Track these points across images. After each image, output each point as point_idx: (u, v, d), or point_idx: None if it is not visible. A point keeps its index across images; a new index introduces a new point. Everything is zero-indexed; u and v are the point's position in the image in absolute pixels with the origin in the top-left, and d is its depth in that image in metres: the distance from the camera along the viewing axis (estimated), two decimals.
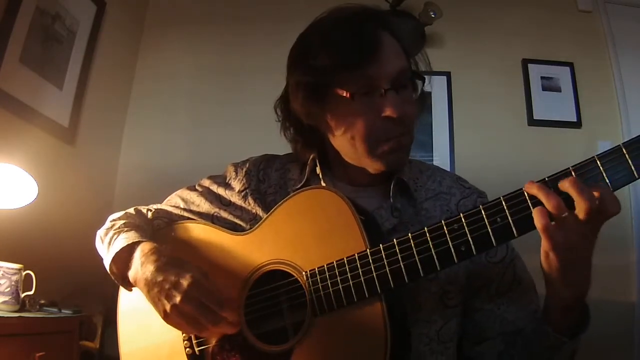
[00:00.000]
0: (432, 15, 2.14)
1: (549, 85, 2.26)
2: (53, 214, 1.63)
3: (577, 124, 2.21)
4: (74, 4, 1.86)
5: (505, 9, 2.37)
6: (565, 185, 0.61)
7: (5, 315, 1.21)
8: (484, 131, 2.23)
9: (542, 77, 2.27)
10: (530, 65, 2.28)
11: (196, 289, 0.75)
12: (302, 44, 0.87)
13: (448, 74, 2.27)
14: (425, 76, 0.90)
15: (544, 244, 0.63)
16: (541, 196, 0.61)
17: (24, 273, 1.33)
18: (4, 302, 1.27)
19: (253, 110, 2.20)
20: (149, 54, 2.36)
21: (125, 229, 0.88)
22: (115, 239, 0.86)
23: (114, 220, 0.93)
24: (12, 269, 1.30)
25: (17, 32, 1.57)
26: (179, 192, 1.03)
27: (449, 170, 2.13)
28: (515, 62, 2.30)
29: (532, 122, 2.22)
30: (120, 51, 2.25)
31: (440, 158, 2.18)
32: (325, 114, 0.85)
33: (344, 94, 0.80)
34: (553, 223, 0.61)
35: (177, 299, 0.74)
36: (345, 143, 0.85)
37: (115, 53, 2.18)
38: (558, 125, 2.21)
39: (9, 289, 1.28)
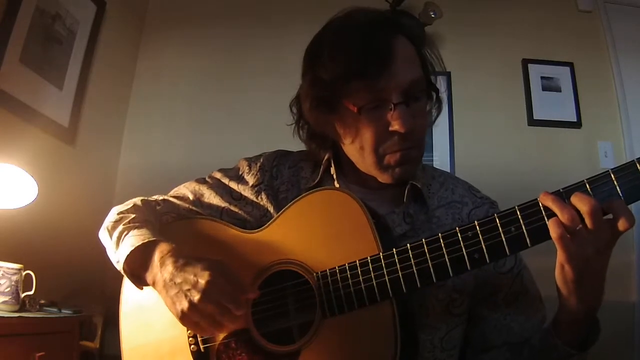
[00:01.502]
0: (432, 16, 2.14)
1: (549, 85, 2.26)
2: (53, 214, 1.63)
3: (577, 124, 2.21)
4: (74, 4, 1.86)
5: (505, 9, 2.37)
6: (573, 200, 0.61)
7: (5, 315, 1.21)
8: (484, 131, 2.23)
9: (542, 77, 2.27)
10: (530, 65, 2.28)
11: (214, 288, 0.74)
12: (313, 49, 0.85)
13: (448, 74, 2.27)
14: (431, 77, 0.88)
15: (560, 256, 0.63)
16: (555, 208, 0.61)
17: (24, 273, 1.33)
18: (4, 302, 1.27)
19: (253, 111, 2.20)
20: (149, 54, 2.36)
21: (136, 224, 0.86)
22: (126, 235, 0.84)
23: (121, 212, 0.90)
24: (12, 269, 1.30)
25: (17, 32, 1.57)
26: (187, 184, 1.00)
27: (449, 170, 2.14)
28: (515, 62, 2.31)
29: (532, 122, 2.22)
30: (120, 51, 2.25)
31: (440, 158, 2.18)
32: (334, 123, 0.84)
33: (352, 107, 0.79)
34: (568, 236, 0.61)
35: (196, 298, 0.73)
36: (355, 152, 0.85)
37: (115, 53, 2.18)
38: (558, 125, 2.21)
39: (9, 289, 1.28)
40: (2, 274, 1.28)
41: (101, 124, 2.09)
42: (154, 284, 0.80)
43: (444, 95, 0.91)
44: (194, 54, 2.35)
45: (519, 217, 0.64)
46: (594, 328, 0.72)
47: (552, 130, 2.21)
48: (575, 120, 2.21)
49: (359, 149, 0.83)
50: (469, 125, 2.23)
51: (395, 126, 0.77)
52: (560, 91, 2.25)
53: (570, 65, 2.27)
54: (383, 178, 0.84)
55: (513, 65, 2.30)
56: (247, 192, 0.95)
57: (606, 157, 2.14)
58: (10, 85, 1.55)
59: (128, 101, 2.29)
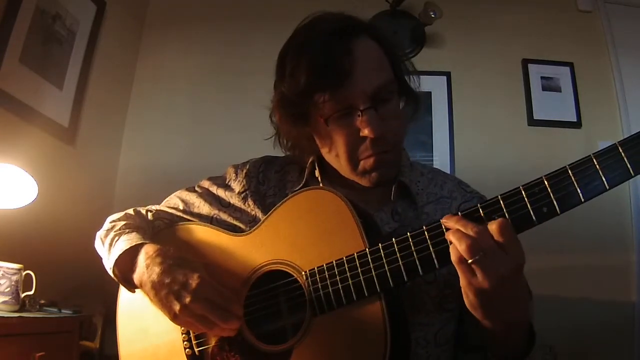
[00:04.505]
0: (432, 15, 2.14)
1: (549, 85, 2.26)
2: (53, 214, 1.63)
3: (577, 124, 2.21)
4: (74, 4, 1.86)
5: (505, 9, 2.37)
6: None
7: (5, 315, 1.21)
8: (484, 131, 2.23)
9: (542, 77, 2.27)
10: (530, 65, 2.28)
11: (205, 288, 0.75)
12: (279, 63, 0.86)
13: (448, 74, 2.27)
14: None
15: (461, 280, 0.64)
16: (454, 240, 0.63)
17: (24, 273, 1.33)
18: (4, 302, 1.27)
19: (253, 110, 2.19)
20: (149, 54, 2.36)
21: (126, 230, 0.88)
22: (117, 241, 0.86)
23: (113, 221, 0.93)
24: (12, 269, 1.30)
25: (17, 32, 1.57)
26: (177, 193, 1.02)
27: (449, 170, 2.14)
28: (515, 62, 2.30)
29: (532, 122, 2.22)
30: (120, 51, 2.25)
31: (440, 158, 2.18)
32: (308, 134, 0.86)
33: (320, 119, 0.80)
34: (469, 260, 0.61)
35: (187, 299, 0.74)
36: (333, 160, 0.86)
37: (115, 53, 2.18)
38: (558, 125, 2.21)
39: (9, 289, 1.28)
40: (2, 274, 1.28)
41: (101, 124, 2.09)
42: (141, 285, 0.81)
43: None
44: (194, 53, 2.35)
45: (502, 206, 0.64)
46: (530, 334, 0.72)
47: (552, 130, 2.21)
48: (575, 120, 2.21)
49: (335, 157, 0.84)
50: (469, 125, 2.23)
51: (365, 132, 0.78)
52: (560, 91, 2.25)
53: (570, 65, 2.27)
54: (363, 182, 0.85)
55: (513, 65, 2.30)
56: (234, 199, 0.96)
57: None
58: (10, 85, 1.55)
59: (128, 101, 2.29)
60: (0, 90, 1.51)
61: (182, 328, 0.85)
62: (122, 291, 0.93)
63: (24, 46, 1.61)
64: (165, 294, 0.76)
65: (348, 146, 0.81)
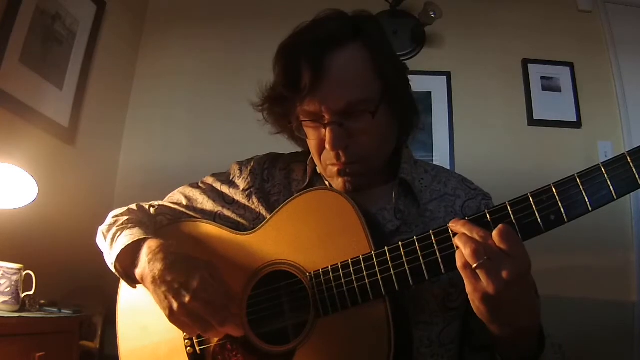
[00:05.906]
0: (432, 15, 2.14)
1: (549, 85, 2.26)
2: (53, 214, 1.63)
3: (577, 124, 2.21)
4: (74, 4, 1.86)
5: (505, 9, 2.37)
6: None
7: (5, 315, 1.21)
8: (484, 131, 2.23)
9: (542, 77, 2.27)
10: (530, 65, 2.28)
11: (205, 289, 0.74)
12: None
13: (448, 74, 2.27)
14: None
15: (467, 286, 0.63)
16: (460, 244, 0.62)
17: (24, 273, 1.33)
18: (4, 302, 1.27)
19: (253, 111, 2.19)
20: (149, 53, 2.36)
21: (129, 225, 0.87)
22: (119, 235, 0.85)
23: (116, 216, 0.92)
24: (12, 269, 1.30)
25: (17, 32, 1.57)
26: (181, 189, 1.02)
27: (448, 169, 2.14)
28: (515, 62, 2.30)
29: (532, 122, 2.22)
30: (120, 51, 2.25)
31: (440, 158, 2.18)
32: (293, 131, 0.88)
33: (296, 120, 0.83)
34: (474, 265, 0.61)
35: (186, 298, 0.74)
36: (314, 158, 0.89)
37: (115, 53, 2.18)
38: (558, 125, 2.21)
39: (9, 289, 1.28)
40: (2, 274, 1.28)
41: (101, 124, 2.09)
42: (142, 280, 0.81)
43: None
44: (194, 53, 2.35)
45: (510, 212, 0.64)
46: (540, 338, 0.71)
47: (552, 130, 2.21)
48: (575, 120, 2.21)
49: (313, 155, 0.87)
50: (469, 125, 2.23)
51: (326, 145, 0.80)
52: (560, 91, 2.25)
53: (570, 65, 2.27)
54: (333, 185, 0.87)
55: (513, 65, 2.30)
56: (238, 196, 0.96)
57: (606, 157, 2.14)
58: (10, 85, 1.55)
59: (128, 101, 2.29)
60: (0, 90, 1.51)
61: None
62: (122, 289, 0.92)
63: (24, 46, 1.61)
64: (164, 290, 0.76)
65: (317, 150, 0.84)
